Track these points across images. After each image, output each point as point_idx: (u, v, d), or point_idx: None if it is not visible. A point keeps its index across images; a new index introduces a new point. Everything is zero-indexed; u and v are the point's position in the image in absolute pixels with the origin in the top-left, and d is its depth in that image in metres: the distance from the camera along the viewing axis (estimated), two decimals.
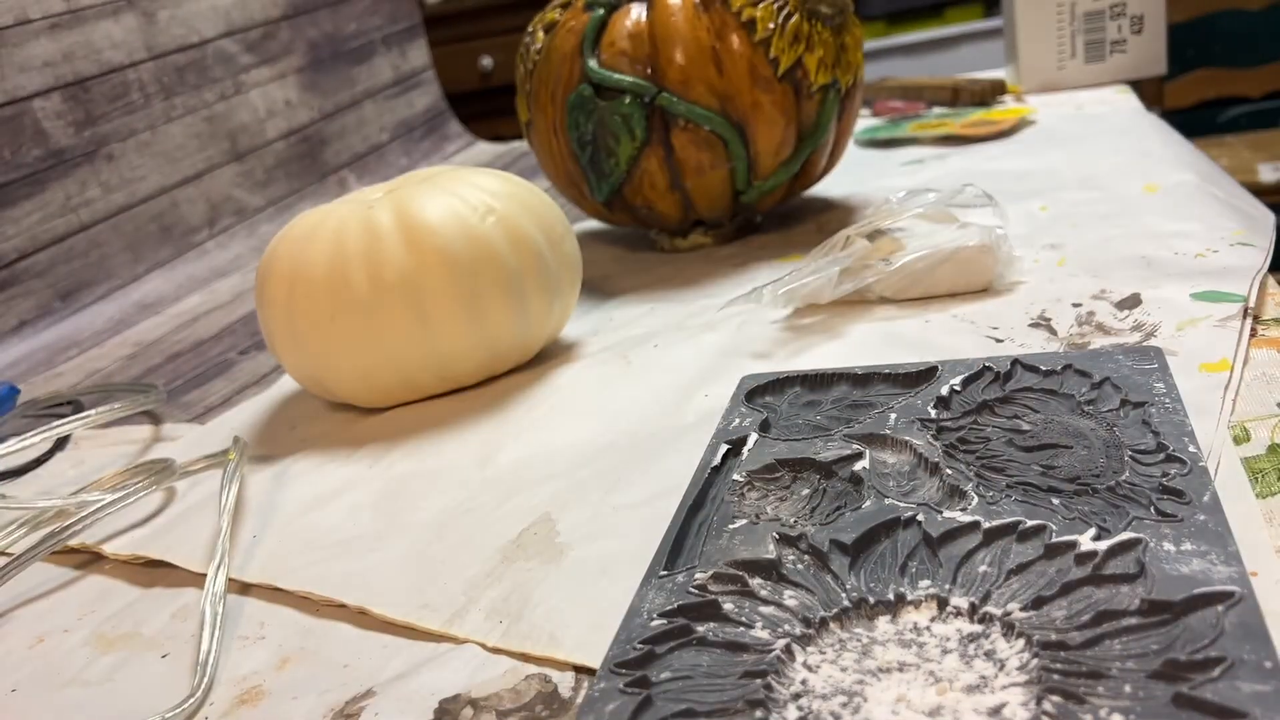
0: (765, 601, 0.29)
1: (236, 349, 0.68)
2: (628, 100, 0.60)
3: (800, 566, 0.30)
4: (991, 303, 0.48)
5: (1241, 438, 0.34)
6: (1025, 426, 0.36)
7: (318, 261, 0.47)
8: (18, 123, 0.79)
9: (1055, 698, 0.23)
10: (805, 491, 0.34)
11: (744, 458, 0.37)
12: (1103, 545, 0.27)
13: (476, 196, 0.49)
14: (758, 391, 0.42)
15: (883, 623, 0.27)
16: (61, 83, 0.82)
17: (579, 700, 0.28)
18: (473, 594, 0.34)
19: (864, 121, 0.95)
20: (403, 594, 0.34)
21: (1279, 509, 0.30)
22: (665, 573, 0.31)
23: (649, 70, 0.60)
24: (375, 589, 0.35)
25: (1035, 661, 0.25)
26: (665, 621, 0.28)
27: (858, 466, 0.34)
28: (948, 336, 0.45)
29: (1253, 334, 0.41)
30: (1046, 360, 0.39)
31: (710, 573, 0.30)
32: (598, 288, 0.64)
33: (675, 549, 0.32)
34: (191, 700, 0.31)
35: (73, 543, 0.42)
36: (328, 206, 0.50)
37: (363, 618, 0.34)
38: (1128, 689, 0.23)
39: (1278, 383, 0.37)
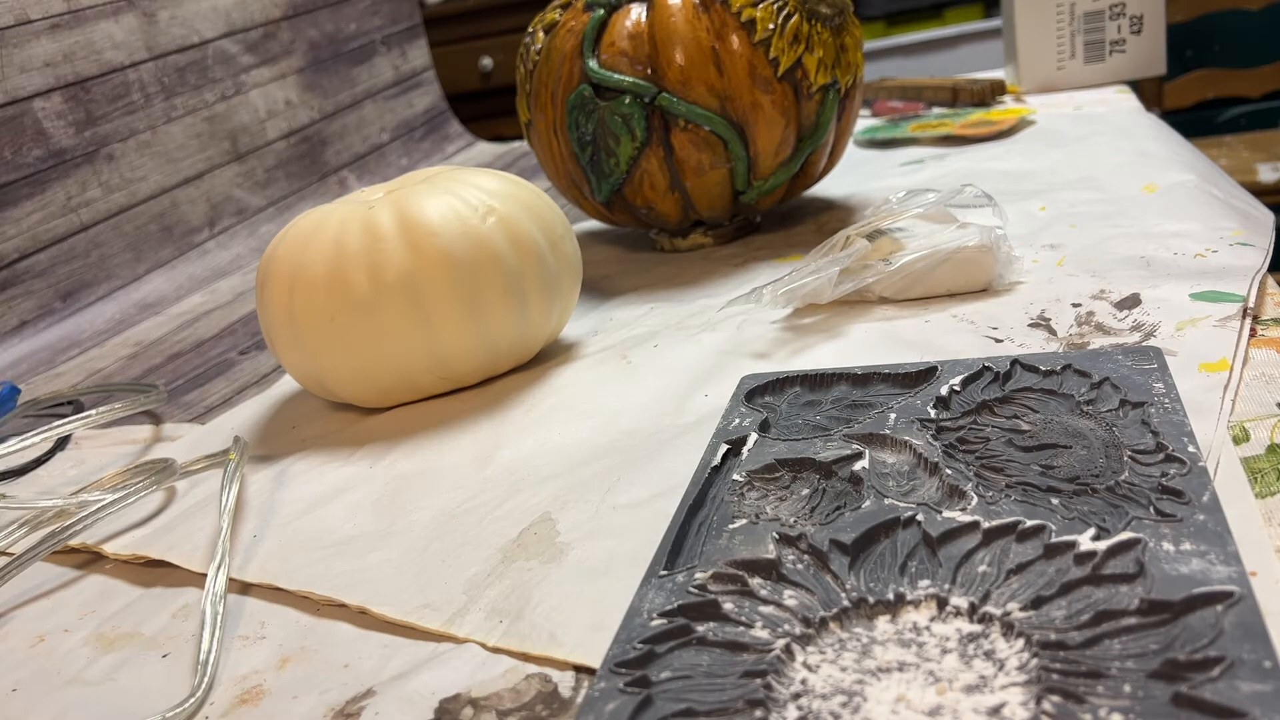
0: (765, 601, 0.29)
1: (237, 349, 0.68)
2: (628, 100, 0.60)
3: (800, 566, 0.30)
4: (991, 303, 0.48)
5: (1241, 438, 0.34)
6: (1025, 426, 0.36)
7: (318, 262, 0.47)
8: (18, 123, 0.79)
9: (1055, 697, 0.23)
10: (805, 491, 0.34)
11: (744, 458, 0.37)
12: (1102, 545, 0.27)
13: (476, 196, 0.49)
14: (758, 391, 0.42)
15: (882, 622, 0.27)
16: (62, 83, 0.82)
17: (579, 700, 0.28)
18: (473, 593, 0.34)
19: (864, 121, 0.95)
20: (403, 593, 0.34)
21: (1278, 509, 0.30)
22: (665, 572, 0.31)
23: (649, 70, 0.60)
24: (375, 589, 0.35)
25: (1035, 661, 0.25)
26: (665, 621, 0.28)
27: (857, 466, 0.34)
28: (947, 336, 0.45)
29: (1252, 334, 0.41)
30: (1046, 360, 0.39)
31: (710, 572, 0.30)
32: (598, 288, 0.64)
33: (675, 549, 0.32)
34: (192, 700, 0.31)
35: (73, 542, 0.42)
36: (328, 206, 0.50)
37: (363, 617, 0.34)
38: (1127, 689, 0.23)
39: (1277, 383, 0.37)
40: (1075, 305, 0.46)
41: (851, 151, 0.86)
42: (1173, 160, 0.65)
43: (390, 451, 0.46)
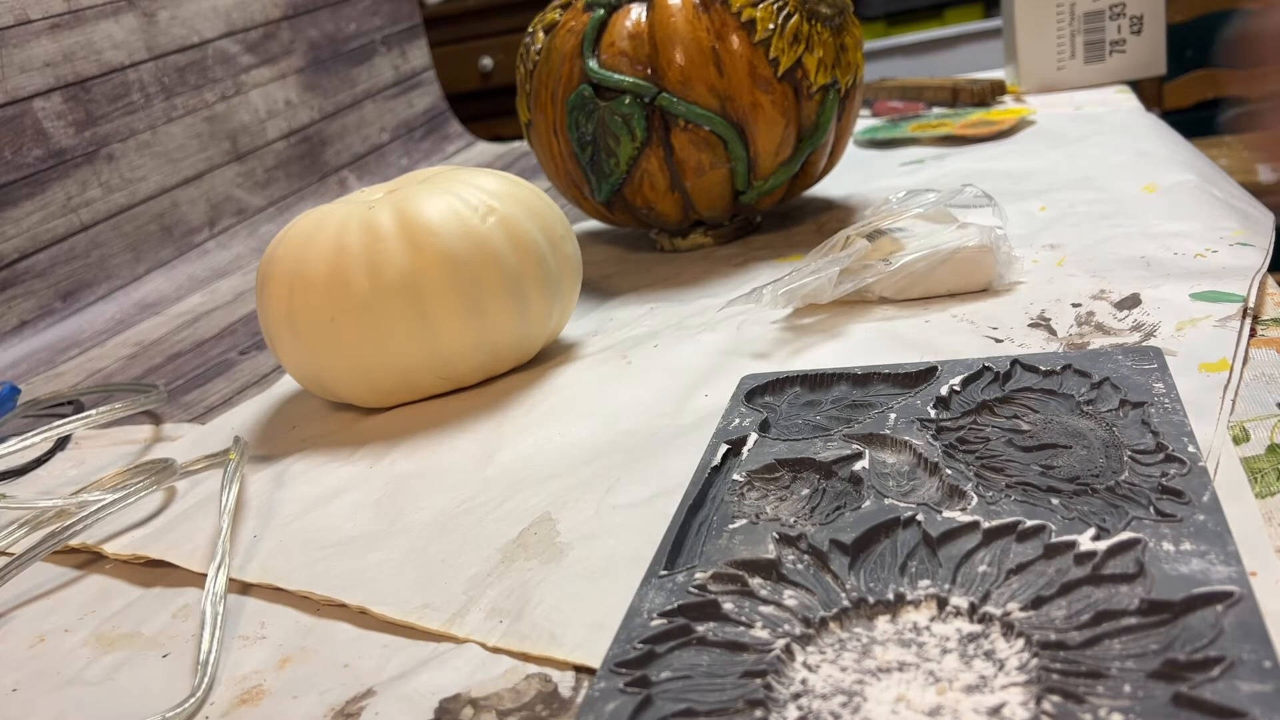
0: (765, 601, 0.29)
1: (237, 349, 0.68)
2: (628, 100, 0.60)
3: (800, 566, 0.30)
4: (991, 303, 0.48)
5: (1241, 438, 0.34)
6: (1025, 426, 0.36)
7: (318, 261, 0.47)
8: (18, 123, 0.79)
9: (1055, 697, 0.23)
10: (805, 491, 0.34)
11: (744, 458, 0.37)
12: (1102, 545, 0.27)
13: (476, 196, 0.49)
14: (758, 391, 0.42)
15: (882, 622, 0.27)
16: (62, 83, 0.82)
17: (579, 700, 0.28)
18: (473, 593, 0.34)
19: (864, 121, 0.95)
20: (403, 593, 0.34)
21: (1278, 509, 0.30)
22: (665, 572, 0.31)
23: (649, 70, 0.60)
24: (375, 589, 0.35)
25: (1035, 661, 0.25)
26: (665, 621, 0.28)
27: (857, 466, 0.34)
28: (947, 336, 0.45)
29: (1252, 334, 0.41)
30: (1046, 360, 0.39)
31: (710, 572, 0.30)
32: (598, 288, 0.64)
33: (675, 549, 0.32)
34: (192, 700, 0.31)
35: (73, 542, 0.42)
36: (328, 206, 0.50)
37: (363, 617, 0.34)
38: (1127, 689, 0.23)
39: (1277, 383, 0.37)
40: (1075, 305, 0.46)
41: (851, 151, 0.86)
42: (1173, 160, 0.65)
43: (390, 451, 0.46)
